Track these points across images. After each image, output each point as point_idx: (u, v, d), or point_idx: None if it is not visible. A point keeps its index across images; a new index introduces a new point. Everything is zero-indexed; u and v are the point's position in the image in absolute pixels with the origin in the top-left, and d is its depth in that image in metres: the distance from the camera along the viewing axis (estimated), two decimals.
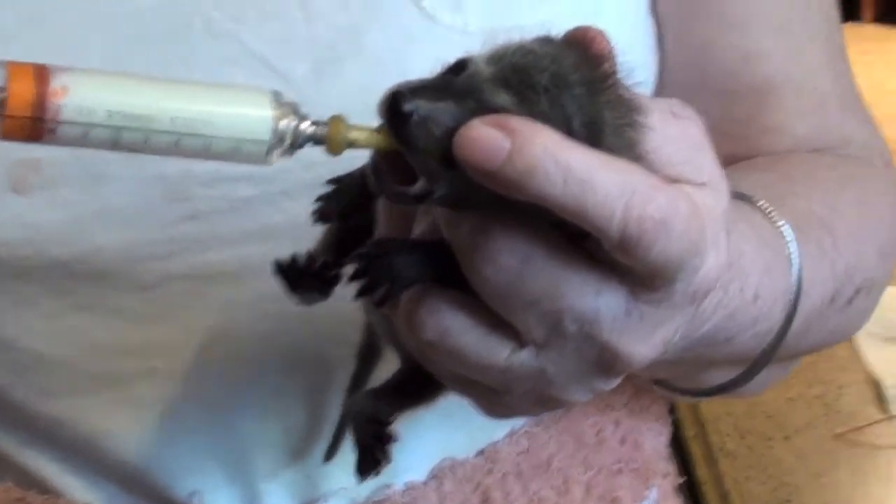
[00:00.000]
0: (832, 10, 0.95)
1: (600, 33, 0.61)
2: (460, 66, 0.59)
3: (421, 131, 0.57)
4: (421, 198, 0.58)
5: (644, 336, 0.58)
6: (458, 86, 0.58)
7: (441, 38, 0.81)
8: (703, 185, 0.58)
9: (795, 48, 0.92)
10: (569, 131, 0.57)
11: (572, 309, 0.57)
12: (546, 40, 0.61)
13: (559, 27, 0.84)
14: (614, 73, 0.59)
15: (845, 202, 0.86)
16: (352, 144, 0.60)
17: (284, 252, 0.77)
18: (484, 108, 0.57)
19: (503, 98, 0.57)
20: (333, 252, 0.69)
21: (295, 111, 0.59)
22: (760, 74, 0.91)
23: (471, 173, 0.55)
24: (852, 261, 0.82)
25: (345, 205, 0.66)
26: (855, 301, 0.84)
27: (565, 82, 0.58)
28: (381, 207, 0.65)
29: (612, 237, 0.55)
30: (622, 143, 0.58)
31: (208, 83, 0.59)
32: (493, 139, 0.54)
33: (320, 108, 0.78)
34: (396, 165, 0.59)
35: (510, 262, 0.57)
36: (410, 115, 0.57)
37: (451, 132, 0.57)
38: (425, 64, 0.81)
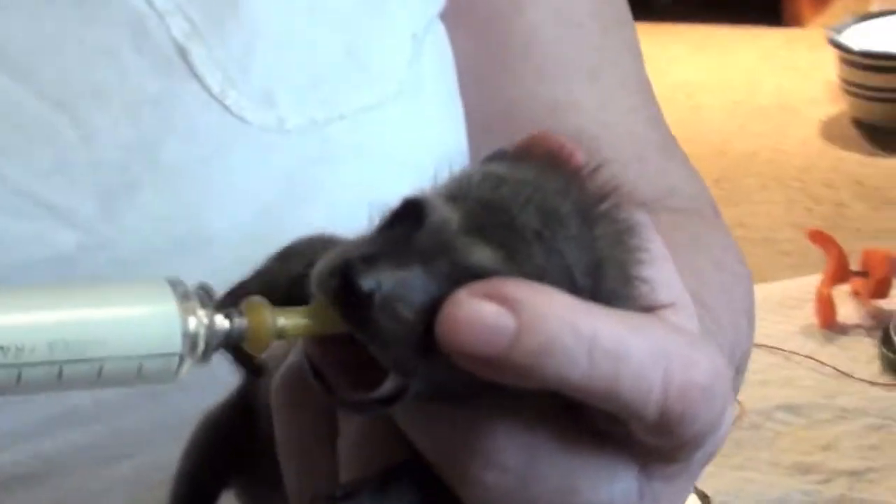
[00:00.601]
0: (638, 51, 0.87)
1: (574, 143, 0.50)
2: (414, 211, 0.46)
3: (387, 316, 0.44)
4: (392, 401, 0.46)
5: None
6: (423, 244, 0.45)
7: (255, 141, 0.68)
8: (673, 305, 0.50)
9: (608, 96, 0.84)
10: (572, 286, 0.46)
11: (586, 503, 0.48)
12: (510, 159, 0.49)
13: (383, 112, 0.73)
14: (606, 192, 0.48)
15: (706, 267, 0.78)
16: (282, 335, 0.46)
17: (96, 438, 0.62)
18: (461, 272, 0.45)
19: (485, 255, 0.45)
20: None
21: (202, 301, 0.45)
22: (572, 126, 0.82)
23: (462, 363, 0.44)
24: (731, 337, 0.74)
25: None
26: (735, 382, 0.76)
27: (557, 219, 0.46)
28: (286, 434, 0.52)
29: (648, 416, 0.46)
30: (625, 282, 0.48)
31: (85, 282, 0.44)
32: (491, 317, 0.44)
33: (118, 249, 0.64)
34: (343, 356, 0.46)
35: (515, 462, 0.47)
36: (371, 295, 0.44)
37: (427, 310, 0.45)
38: (240, 175, 0.69)
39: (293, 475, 0.52)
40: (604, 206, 0.48)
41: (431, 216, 0.46)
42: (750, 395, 1.52)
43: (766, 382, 1.56)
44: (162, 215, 0.65)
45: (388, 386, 0.45)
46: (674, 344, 0.46)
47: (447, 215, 0.46)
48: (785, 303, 1.75)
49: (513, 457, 0.47)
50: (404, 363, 0.45)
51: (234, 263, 0.57)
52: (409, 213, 0.47)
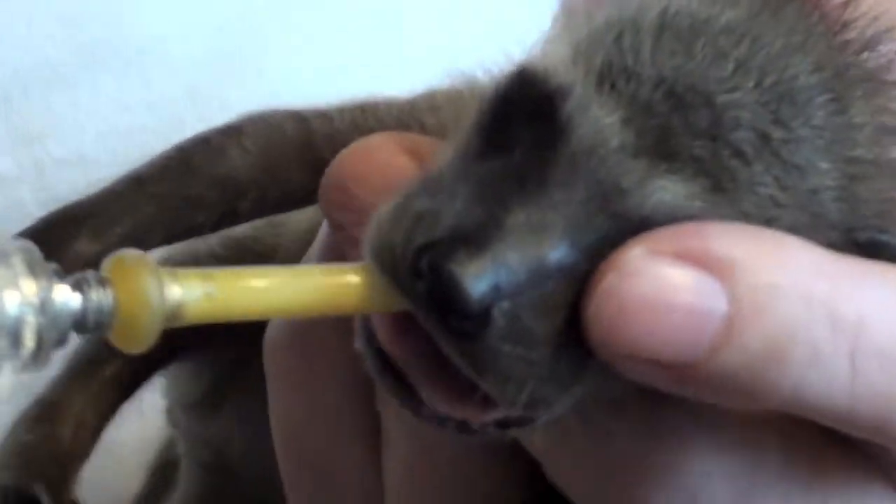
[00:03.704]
0: None
1: None
2: (534, 98, 0.31)
3: (511, 339, 0.30)
4: (518, 423, 0.32)
5: None
6: (562, 184, 0.30)
7: None
8: None
9: None
10: (817, 226, 0.31)
11: None
12: None
13: None
14: (871, 37, 0.33)
15: None
16: (176, 317, 0.30)
17: None
18: (635, 230, 0.30)
19: (674, 190, 0.30)
20: None
21: (30, 264, 0.28)
22: None
23: (633, 374, 0.31)
24: None
25: None
26: None
27: (793, 103, 0.31)
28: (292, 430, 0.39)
29: None
30: (889, 190, 0.32)
31: None
32: (685, 292, 0.30)
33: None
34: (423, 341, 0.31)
35: (722, 497, 0.35)
36: (487, 313, 0.29)
37: (572, 300, 0.30)
38: None
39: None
40: (865, 64, 0.32)
41: (574, 120, 0.30)
42: None
43: None
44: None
45: (500, 410, 0.31)
46: None
47: (601, 117, 0.30)
48: None
49: (719, 490, 0.34)
50: (534, 398, 0.30)
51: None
52: (529, 101, 0.30)
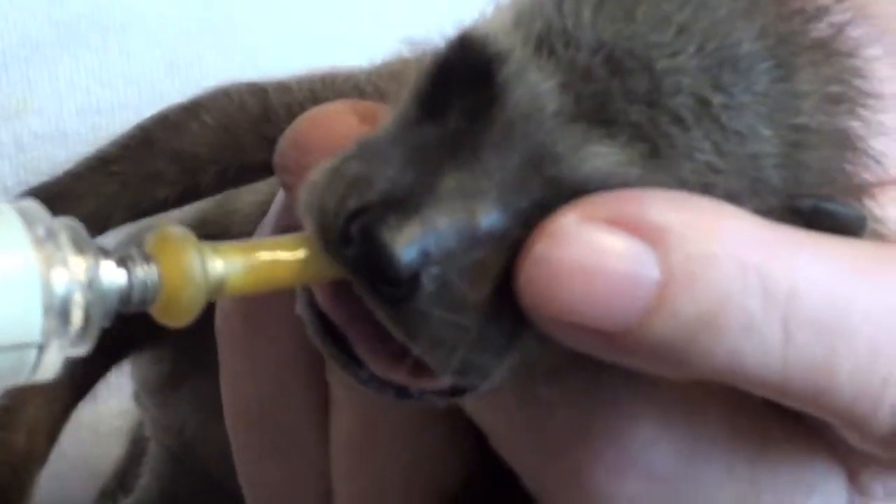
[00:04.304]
0: None
1: None
2: (474, 64, 0.31)
3: (442, 305, 0.30)
4: (459, 392, 0.32)
5: None
6: (497, 149, 0.30)
7: None
8: None
9: None
10: (757, 193, 0.31)
11: None
12: None
13: None
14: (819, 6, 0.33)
15: None
16: (219, 291, 0.30)
17: None
18: (569, 196, 0.30)
19: (609, 156, 0.30)
20: None
21: (76, 242, 0.29)
22: None
23: (566, 341, 0.31)
24: None
25: None
26: None
27: (735, 68, 0.31)
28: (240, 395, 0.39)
29: (879, 426, 0.33)
30: (840, 170, 0.33)
31: None
32: (617, 260, 0.30)
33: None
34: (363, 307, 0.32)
35: (664, 465, 0.34)
36: (415, 278, 0.30)
37: (507, 269, 0.30)
38: None
39: (251, 471, 0.39)
40: (813, 33, 0.32)
41: (511, 85, 0.30)
42: None
43: None
44: None
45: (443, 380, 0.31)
46: None
47: (538, 83, 0.30)
48: None
49: (662, 458, 0.34)
50: (466, 364, 0.31)
51: None
52: (467, 67, 0.31)
